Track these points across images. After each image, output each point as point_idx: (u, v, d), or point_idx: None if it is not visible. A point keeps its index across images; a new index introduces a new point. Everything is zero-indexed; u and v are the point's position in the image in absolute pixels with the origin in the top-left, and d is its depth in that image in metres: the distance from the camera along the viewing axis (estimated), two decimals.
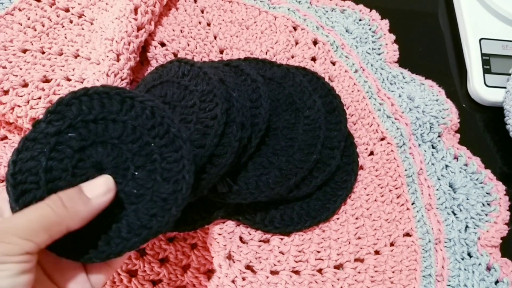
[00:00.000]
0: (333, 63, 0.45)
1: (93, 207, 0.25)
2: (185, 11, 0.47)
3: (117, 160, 0.27)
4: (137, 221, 0.26)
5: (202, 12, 0.47)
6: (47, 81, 0.41)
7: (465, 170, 0.43)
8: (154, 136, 0.28)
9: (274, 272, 0.37)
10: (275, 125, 0.37)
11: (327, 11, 0.50)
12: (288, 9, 0.48)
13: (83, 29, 0.44)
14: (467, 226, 0.40)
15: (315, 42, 0.46)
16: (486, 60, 0.48)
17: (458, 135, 0.45)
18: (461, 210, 0.41)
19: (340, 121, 0.40)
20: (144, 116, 0.28)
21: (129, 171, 0.27)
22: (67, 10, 0.45)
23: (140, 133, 0.28)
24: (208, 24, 0.47)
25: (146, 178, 0.27)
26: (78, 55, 0.42)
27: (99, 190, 0.26)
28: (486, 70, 0.47)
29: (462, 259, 0.39)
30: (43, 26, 0.44)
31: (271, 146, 0.37)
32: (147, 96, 0.29)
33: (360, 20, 0.50)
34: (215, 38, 0.46)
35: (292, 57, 0.45)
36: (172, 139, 0.28)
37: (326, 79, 0.44)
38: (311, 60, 0.46)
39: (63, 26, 0.44)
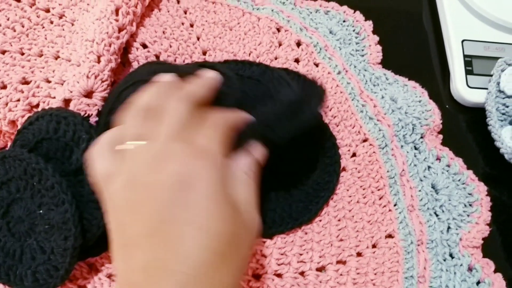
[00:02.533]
0: (316, 65, 0.45)
1: None
2: (168, 11, 0.46)
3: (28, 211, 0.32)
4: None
5: (185, 13, 0.47)
6: (26, 83, 0.40)
7: (447, 171, 0.43)
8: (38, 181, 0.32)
9: (256, 276, 0.36)
10: None
11: (311, 12, 0.50)
12: (272, 10, 0.47)
13: (63, 30, 0.44)
14: (449, 227, 0.40)
15: (298, 44, 0.46)
16: (468, 61, 0.48)
17: (441, 136, 0.45)
18: (443, 211, 0.41)
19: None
20: (30, 172, 0.32)
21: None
22: (47, 11, 0.44)
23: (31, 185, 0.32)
24: (191, 25, 0.46)
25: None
26: (59, 57, 0.42)
27: None
28: (468, 71, 0.48)
29: (444, 260, 0.39)
30: (23, 26, 0.43)
31: None
32: (17, 151, 0.33)
33: (344, 21, 0.50)
34: (198, 39, 0.46)
35: (276, 58, 0.45)
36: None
37: None
38: (295, 61, 0.45)
39: (43, 27, 0.44)
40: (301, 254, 0.37)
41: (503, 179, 0.45)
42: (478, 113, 0.47)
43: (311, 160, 0.40)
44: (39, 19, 0.44)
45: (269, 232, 0.37)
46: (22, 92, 0.39)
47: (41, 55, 0.42)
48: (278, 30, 0.47)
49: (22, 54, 0.42)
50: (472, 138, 0.47)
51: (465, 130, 0.48)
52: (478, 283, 0.38)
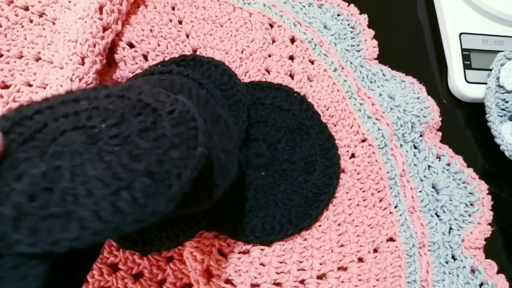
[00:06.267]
0: (312, 62, 0.43)
1: None
2: (155, 8, 0.44)
3: None
4: None
5: (173, 9, 0.45)
6: (5, 87, 0.38)
7: (447, 170, 0.42)
8: None
9: (254, 285, 0.35)
10: None
11: (304, 6, 0.48)
12: (264, 5, 0.45)
13: (44, 29, 0.41)
14: (450, 228, 0.39)
15: (292, 40, 0.44)
16: (467, 55, 0.47)
17: (440, 134, 0.44)
18: (444, 212, 0.40)
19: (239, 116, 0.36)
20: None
21: None
22: (26, 9, 0.41)
23: None
24: (180, 22, 0.44)
25: None
26: (40, 58, 0.39)
27: None
28: (467, 66, 0.46)
29: (447, 263, 0.38)
30: (1, 26, 0.40)
31: None
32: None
33: (338, 15, 0.48)
34: (187, 36, 0.43)
35: (269, 56, 0.43)
36: None
37: (305, 79, 0.42)
38: (289, 59, 0.44)
39: (23, 26, 0.41)
40: (301, 262, 0.36)
41: (503, 176, 0.44)
42: (477, 109, 0.46)
43: (310, 163, 0.38)
44: (17, 18, 0.41)
45: (268, 240, 0.36)
46: (2, 97, 0.37)
47: (21, 57, 0.40)
48: (271, 25, 0.45)
49: (1, 56, 0.39)
50: (471, 135, 0.46)
51: (463, 126, 0.47)
52: (481, 285, 0.37)
